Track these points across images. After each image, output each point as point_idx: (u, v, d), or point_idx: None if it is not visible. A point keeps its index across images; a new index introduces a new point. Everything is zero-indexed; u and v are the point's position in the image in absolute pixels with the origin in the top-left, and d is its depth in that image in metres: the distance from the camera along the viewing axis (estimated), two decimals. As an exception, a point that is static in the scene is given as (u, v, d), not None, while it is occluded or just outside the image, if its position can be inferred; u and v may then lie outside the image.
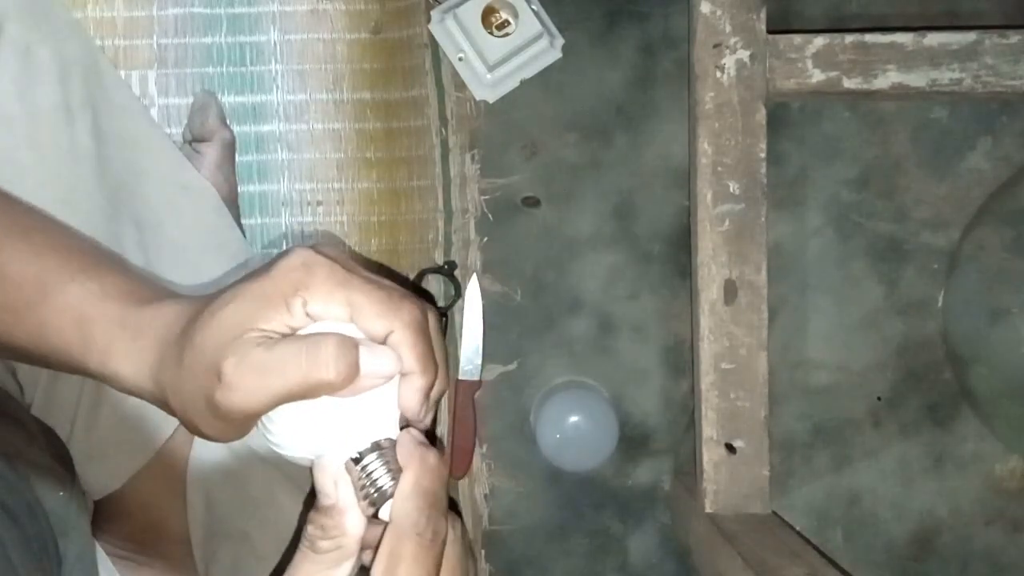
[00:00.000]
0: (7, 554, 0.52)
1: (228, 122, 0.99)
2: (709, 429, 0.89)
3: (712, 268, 0.90)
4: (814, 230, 1.05)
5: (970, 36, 0.91)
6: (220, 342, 0.41)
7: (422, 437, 0.44)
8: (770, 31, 0.90)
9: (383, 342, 0.42)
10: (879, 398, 1.05)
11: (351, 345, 0.41)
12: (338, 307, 0.42)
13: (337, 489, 0.42)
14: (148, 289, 0.47)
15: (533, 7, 0.99)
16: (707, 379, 0.90)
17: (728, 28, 0.89)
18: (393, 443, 0.43)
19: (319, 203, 1.02)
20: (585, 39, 1.03)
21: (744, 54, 0.90)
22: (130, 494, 0.76)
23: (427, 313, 0.44)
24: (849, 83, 0.91)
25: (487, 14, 0.98)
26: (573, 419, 1.00)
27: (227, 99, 1.00)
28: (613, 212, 1.04)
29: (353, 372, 0.41)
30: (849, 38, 0.91)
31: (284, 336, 0.41)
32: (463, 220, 1.03)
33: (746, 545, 0.81)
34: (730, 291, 0.90)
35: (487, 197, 1.03)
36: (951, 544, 1.06)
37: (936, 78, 0.92)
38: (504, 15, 0.99)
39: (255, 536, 0.75)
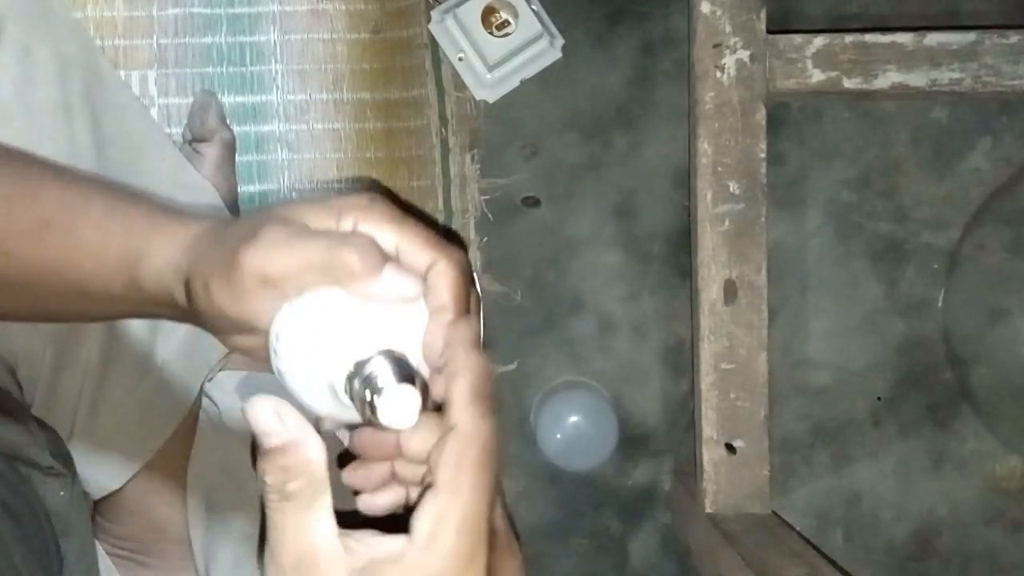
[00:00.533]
0: (9, 553, 0.52)
1: (228, 122, 0.99)
2: (709, 429, 0.89)
3: (712, 268, 0.90)
4: (814, 230, 1.05)
5: (970, 36, 0.91)
6: (270, 213, 0.42)
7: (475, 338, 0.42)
8: (770, 31, 0.90)
9: (424, 277, 0.42)
10: (879, 398, 1.05)
11: (380, 249, 0.41)
12: (388, 233, 0.42)
13: (284, 421, 0.40)
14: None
15: (533, 7, 0.99)
16: (707, 379, 0.90)
17: (728, 28, 0.89)
18: (403, 357, 0.41)
19: (319, 203, 1.01)
20: (585, 39, 1.03)
21: (744, 54, 0.90)
22: (130, 494, 0.76)
23: (470, 266, 0.44)
24: (849, 83, 0.91)
25: (487, 14, 0.98)
26: (573, 419, 1.00)
27: (227, 99, 1.00)
28: (613, 212, 1.04)
29: (375, 267, 0.40)
30: (849, 38, 0.91)
31: None
32: (463, 220, 1.03)
33: (746, 545, 0.81)
34: (730, 291, 0.90)
35: (487, 197, 1.03)
36: (951, 544, 1.06)
37: (936, 78, 0.92)
38: (504, 15, 0.99)
39: (255, 536, 0.75)
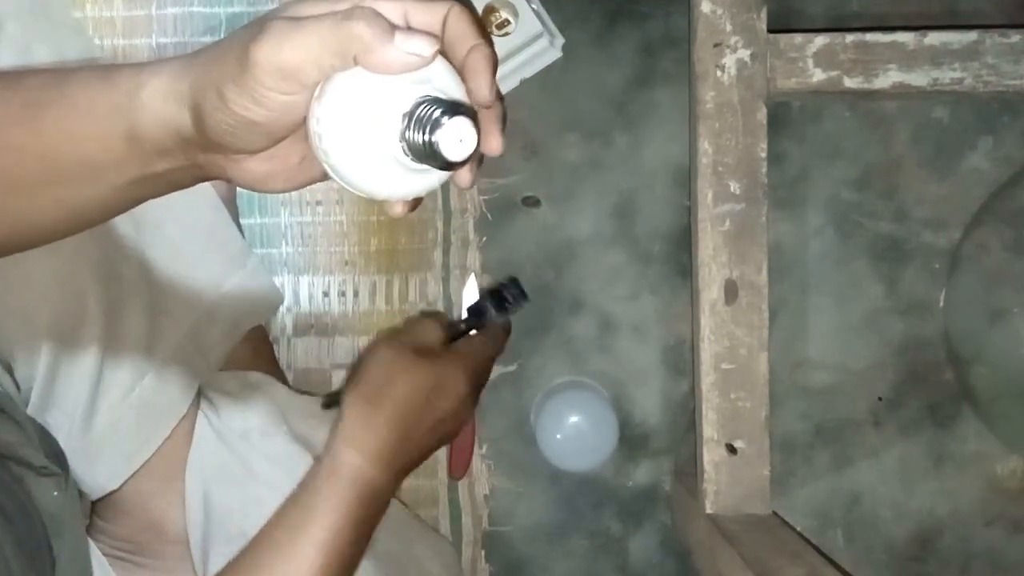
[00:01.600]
0: (2, 553, 0.52)
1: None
2: (710, 429, 0.89)
3: (713, 268, 0.89)
4: (815, 230, 1.05)
5: (971, 35, 0.91)
6: (267, 16, 0.42)
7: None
8: (771, 30, 0.90)
9: (441, 33, 0.43)
10: (880, 398, 1.05)
11: (385, 17, 0.41)
12: (391, 6, 0.42)
13: None
14: None
15: (533, 6, 0.99)
16: (708, 379, 0.89)
17: (729, 27, 0.89)
18: (445, 95, 0.42)
19: (318, 202, 1.01)
20: (585, 39, 1.03)
21: (745, 53, 0.89)
22: (128, 495, 0.76)
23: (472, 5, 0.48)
24: (850, 82, 0.91)
25: (487, 13, 0.98)
26: (573, 419, 1.00)
27: (226, 98, 1.00)
28: (613, 212, 1.04)
29: (385, 32, 0.40)
30: (850, 37, 0.91)
31: None
32: (462, 220, 1.03)
33: (746, 545, 0.81)
34: (731, 291, 0.89)
35: (487, 197, 1.03)
36: (952, 544, 1.06)
37: (937, 77, 0.91)
38: (504, 14, 0.99)
39: (253, 536, 0.75)
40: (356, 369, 0.67)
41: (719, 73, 0.90)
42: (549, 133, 1.03)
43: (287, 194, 1.01)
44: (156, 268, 0.77)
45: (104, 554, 0.76)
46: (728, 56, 0.89)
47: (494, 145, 0.45)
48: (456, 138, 0.40)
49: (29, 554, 0.56)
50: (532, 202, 1.04)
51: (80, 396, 0.71)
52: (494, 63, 0.44)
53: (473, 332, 0.73)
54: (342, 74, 0.42)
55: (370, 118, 0.42)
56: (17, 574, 0.52)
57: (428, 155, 0.41)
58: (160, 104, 0.43)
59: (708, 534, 0.88)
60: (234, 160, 0.44)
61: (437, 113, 0.40)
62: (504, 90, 1.01)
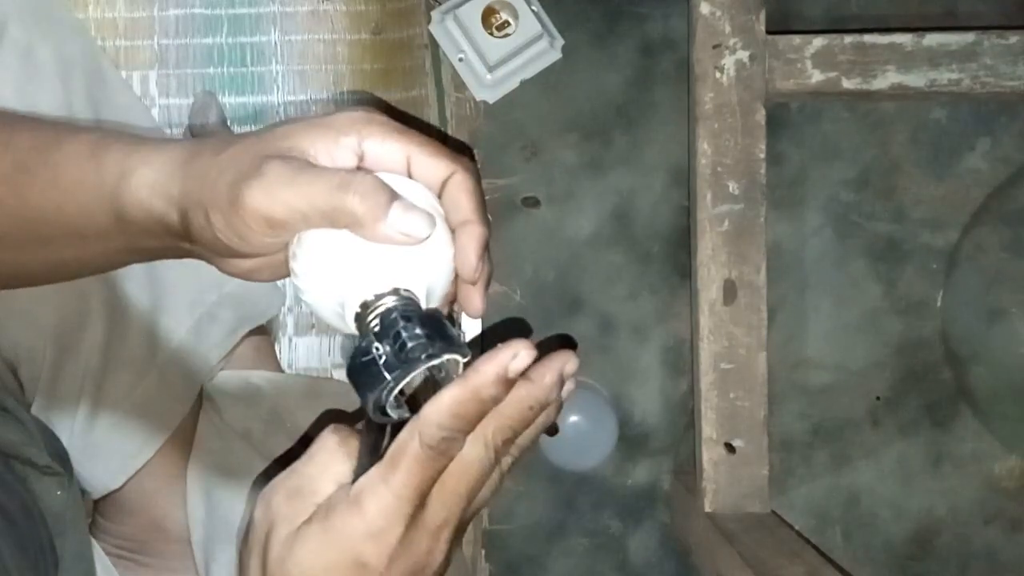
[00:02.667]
0: (1, 555, 0.52)
1: (229, 123, 0.99)
2: (708, 429, 0.90)
3: (712, 268, 0.90)
4: (813, 230, 1.05)
5: (969, 37, 0.91)
6: (268, 142, 0.41)
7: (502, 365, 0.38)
8: (769, 32, 0.90)
9: (439, 191, 0.42)
10: (878, 398, 1.05)
11: (388, 189, 0.40)
12: (395, 149, 0.41)
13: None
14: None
15: (533, 8, 0.99)
16: (707, 379, 0.90)
17: (727, 29, 0.90)
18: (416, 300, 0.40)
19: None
20: (585, 40, 1.03)
21: (743, 55, 0.90)
22: (130, 494, 0.76)
23: (477, 169, 0.44)
24: (848, 83, 0.92)
25: (487, 15, 0.98)
26: (573, 419, 1.00)
27: (228, 100, 1.00)
28: (613, 212, 1.04)
29: (380, 210, 0.39)
30: (848, 39, 0.91)
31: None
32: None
33: (745, 544, 0.81)
34: (729, 291, 0.90)
35: (487, 197, 1.03)
36: (950, 543, 1.06)
37: (935, 78, 0.92)
38: (504, 16, 0.99)
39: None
40: (246, 535, 0.43)
41: (718, 74, 0.90)
42: (549, 133, 1.03)
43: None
44: (158, 268, 0.77)
45: (107, 553, 0.76)
46: (727, 57, 0.90)
47: (473, 309, 0.44)
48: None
49: (32, 554, 0.56)
50: (532, 202, 1.04)
51: (83, 396, 0.71)
52: (486, 243, 0.42)
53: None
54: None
55: (345, 279, 0.41)
56: (15, 574, 0.52)
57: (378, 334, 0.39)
58: (147, 197, 0.43)
59: (707, 533, 0.88)
60: (218, 256, 0.44)
61: (403, 340, 0.38)
62: (504, 91, 1.02)
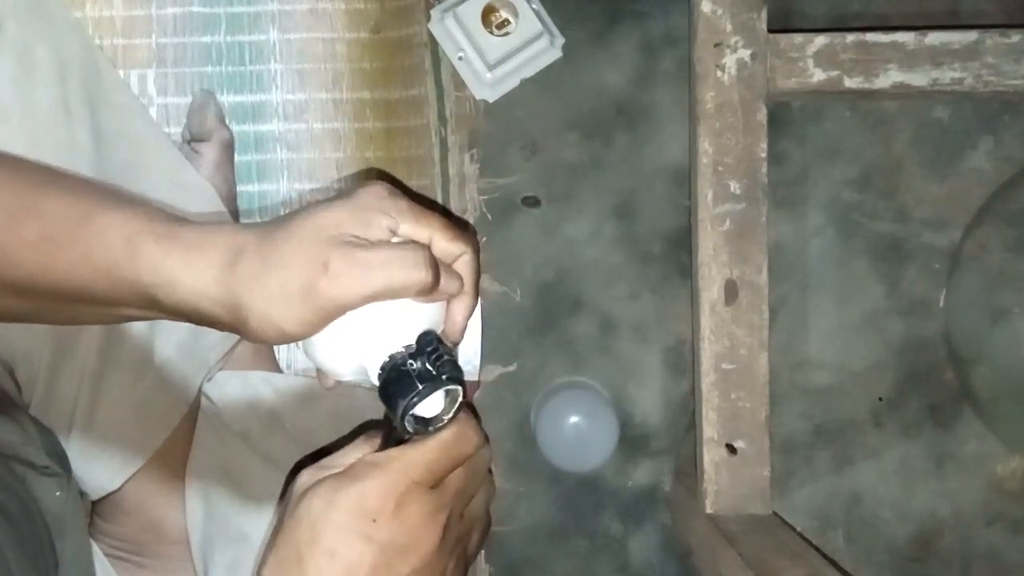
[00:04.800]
0: (3, 555, 0.52)
1: (227, 121, 0.99)
2: (710, 430, 0.89)
3: (713, 268, 0.89)
4: (815, 230, 1.05)
5: (971, 35, 0.91)
6: (321, 238, 0.45)
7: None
8: (771, 30, 0.90)
9: (452, 264, 0.50)
10: (880, 398, 1.05)
11: (434, 259, 0.48)
12: (423, 231, 0.48)
13: None
14: (192, 218, 0.49)
15: (533, 6, 0.99)
16: (708, 379, 0.89)
17: (729, 27, 0.89)
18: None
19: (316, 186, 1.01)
20: (585, 38, 1.03)
21: (745, 53, 0.89)
22: (128, 495, 0.76)
23: (479, 248, 0.54)
24: (850, 82, 0.91)
25: (487, 13, 0.98)
26: (573, 419, 1.00)
27: (226, 98, 1.00)
28: (613, 212, 1.04)
29: (437, 279, 0.47)
30: (850, 37, 0.91)
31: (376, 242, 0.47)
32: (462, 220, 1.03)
33: (747, 546, 0.81)
34: (731, 291, 0.89)
35: (486, 197, 1.03)
36: (952, 545, 1.06)
37: (937, 77, 0.91)
38: (504, 14, 0.99)
39: (254, 537, 0.75)
40: (277, 523, 0.48)
41: (719, 73, 0.89)
42: (549, 133, 1.03)
43: (287, 194, 1.01)
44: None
45: (105, 554, 0.76)
46: (728, 56, 0.89)
47: (454, 334, 0.51)
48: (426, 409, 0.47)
49: (32, 555, 0.56)
50: (532, 202, 1.03)
51: (81, 397, 0.71)
52: (471, 311, 0.51)
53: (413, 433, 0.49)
54: None
55: (368, 342, 0.48)
56: (18, 575, 0.52)
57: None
58: (188, 298, 0.46)
59: (708, 534, 0.88)
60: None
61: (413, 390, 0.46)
62: (504, 90, 1.01)
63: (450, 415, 0.47)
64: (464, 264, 0.50)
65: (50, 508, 0.61)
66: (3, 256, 0.46)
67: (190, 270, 0.45)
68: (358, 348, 0.47)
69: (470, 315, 0.51)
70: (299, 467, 0.49)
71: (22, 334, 0.67)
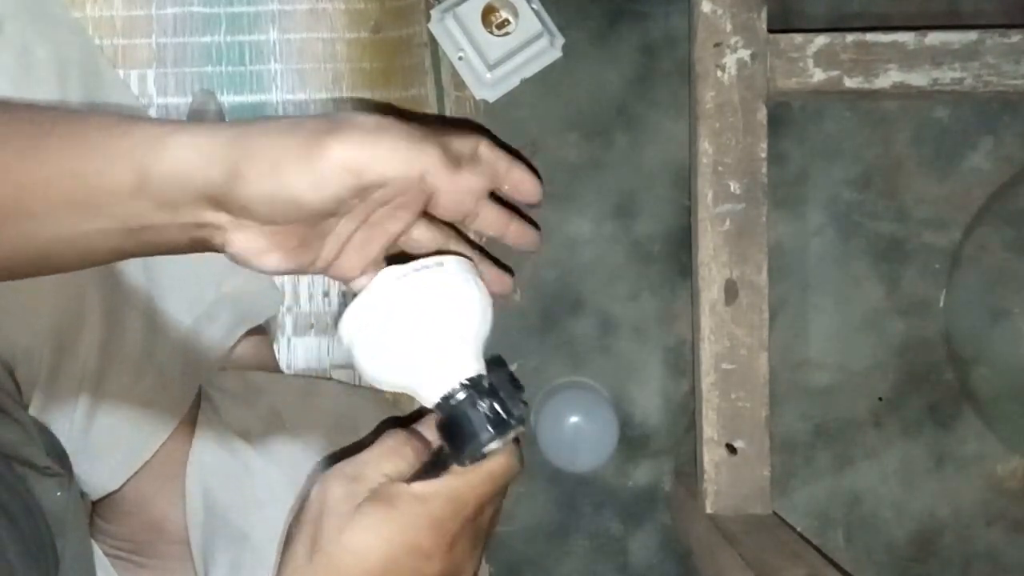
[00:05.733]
0: (5, 554, 0.52)
1: (227, 121, 0.98)
2: (710, 429, 0.89)
3: (713, 268, 0.89)
4: (815, 230, 1.05)
5: (972, 35, 0.91)
6: (342, 115, 0.45)
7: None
8: (771, 30, 0.90)
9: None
10: (880, 398, 1.05)
11: (449, 150, 0.46)
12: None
13: None
14: None
15: (533, 6, 0.99)
16: (708, 379, 0.89)
17: (729, 27, 0.89)
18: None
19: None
20: (585, 38, 1.03)
21: (745, 53, 0.89)
22: (128, 495, 0.76)
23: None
24: (850, 82, 0.91)
25: (487, 13, 0.98)
26: (573, 419, 1.00)
27: (226, 98, 1.00)
28: (613, 212, 1.04)
29: (450, 165, 0.46)
30: (850, 37, 0.91)
31: None
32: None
33: (747, 546, 0.81)
34: (731, 291, 0.89)
35: (487, 197, 1.03)
36: (952, 545, 1.06)
37: (938, 77, 0.91)
38: (504, 14, 0.99)
39: (254, 536, 0.75)
40: (297, 514, 0.47)
41: (719, 73, 0.89)
42: (549, 133, 1.03)
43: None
44: (156, 268, 0.77)
45: (105, 554, 0.76)
46: (728, 56, 0.89)
47: (531, 195, 0.52)
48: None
49: (33, 554, 0.56)
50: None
51: (81, 397, 0.70)
52: (527, 171, 0.52)
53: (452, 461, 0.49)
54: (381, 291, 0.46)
55: (396, 359, 0.46)
56: (20, 574, 0.52)
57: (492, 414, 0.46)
58: (185, 154, 0.43)
59: (708, 534, 0.88)
60: (238, 227, 0.45)
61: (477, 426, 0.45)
62: (504, 90, 1.01)
63: (503, 443, 0.46)
64: (485, 150, 0.49)
65: (51, 508, 0.61)
66: None
67: (190, 132, 0.44)
68: (410, 371, 0.46)
69: (532, 174, 0.51)
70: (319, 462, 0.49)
71: (22, 333, 0.67)
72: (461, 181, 0.47)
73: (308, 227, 0.46)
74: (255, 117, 0.47)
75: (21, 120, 0.45)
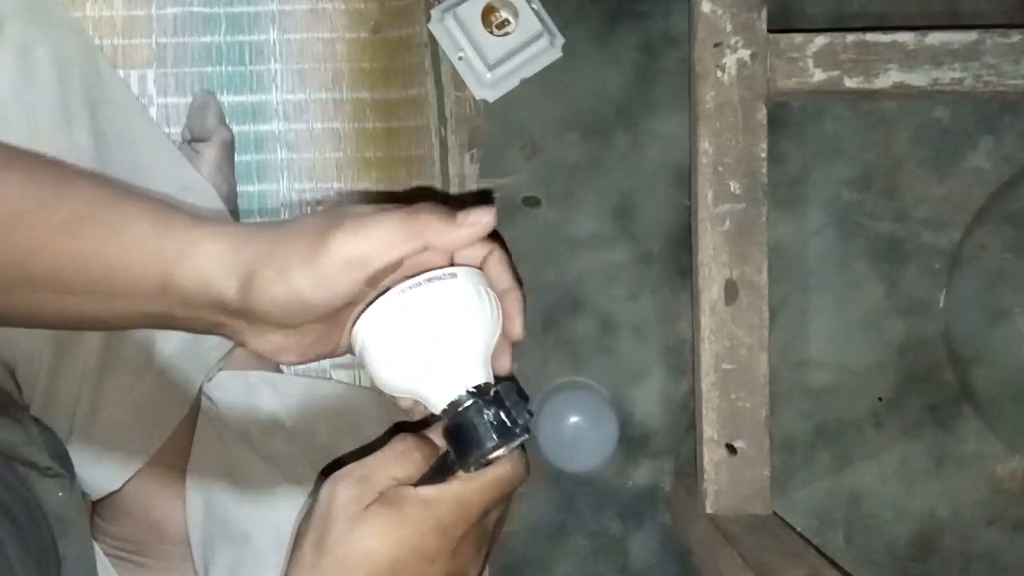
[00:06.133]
0: (6, 554, 0.52)
1: (227, 121, 0.99)
2: (710, 429, 0.89)
3: (713, 268, 0.89)
4: (815, 230, 1.05)
5: (971, 35, 0.91)
6: (339, 211, 0.45)
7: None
8: (771, 30, 0.90)
9: (481, 266, 0.49)
10: (880, 398, 1.05)
11: (445, 210, 0.46)
12: (447, 239, 0.47)
13: None
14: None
15: (533, 6, 0.99)
16: (708, 379, 0.89)
17: (729, 27, 0.89)
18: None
19: (318, 203, 1.01)
20: (585, 38, 1.03)
21: (745, 53, 0.89)
22: (129, 495, 0.76)
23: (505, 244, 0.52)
24: (850, 82, 0.91)
25: (487, 13, 0.98)
26: (573, 419, 1.00)
27: (226, 98, 1.00)
28: (613, 212, 1.04)
29: (450, 215, 0.46)
30: (850, 37, 0.91)
31: None
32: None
33: (747, 546, 0.81)
34: (731, 291, 0.89)
35: (487, 197, 1.03)
36: (952, 545, 1.06)
37: (937, 77, 0.91)
38: (504, 14, 0.99)
39: (254, 536, 0.75)
40: (306, 514, 0.48)
41: (719, 73, 0.90)
42: (549, 133, 1.03)
43: (287, 195, 1.01)
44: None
45: (106, 554, 0.76)
46: (728, 56, 0.89)
47: (516, 331, 0.51)
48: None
49: (35, 554, 0.56)
50: (532, 202, 1.03)
51: (82, 397, 0.70)
52: (524, 305, 0.51)
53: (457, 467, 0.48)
54: (391, 300, 0.46)
55: (405, 367, 0.47)
56: (22, 575, 0.52)
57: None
58: (207, 265, 0.45)
59: (708, 534, 0.88)
60: (255, 330, 0.47)
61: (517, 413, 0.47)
62: (504, 90, 1.01)
63: (508, 451, 0.47)
64: (495, 261, 0.49)
65: (52, 508, 0.61)
66: (31, 240, 0.46)
67: (217, 241, 0.45)
68: (420, 377, 0.46)
69: (522, 306, 0.51)
70: (325, 469, 0.49)
71: (23, 334, 0.67)
72: (463, 234, 0.47)
73: (325, 323, 0.47)
74: (272, 222, 0.48)
75: (68, 196, 0.47)
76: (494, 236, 0.49)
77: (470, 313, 0.47)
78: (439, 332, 0.46)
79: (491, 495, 0.47)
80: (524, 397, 0.47)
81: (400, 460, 0.47)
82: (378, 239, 0.44)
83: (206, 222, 0.46)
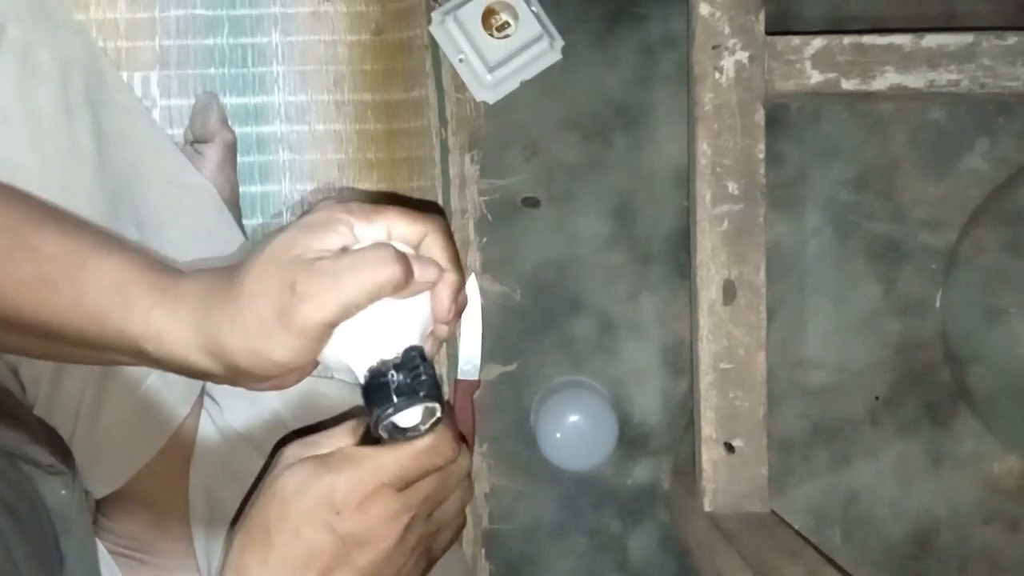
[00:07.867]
0: (9, 551, 0.53)
1: (229, 123, 0.99)
2: (708, 428, 0.90)
3: (711, 268, 0.90)
4: (813, 230, 1.05)
5: (968, 37, 0.91)
6: (282, 263, 0.46)
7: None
8: (769, 32, 0.90)
9: (417, 248, 0.50)
10: (877, 398, 1.06)
11: (402, 254, 0.47)
12: (378, 225, 0.48)
13: None
14: (179, 266, 0.51)
15: (533, 9, 0.99)
16: (706, 379, 0.90)
17: (727, 29, 0.90)
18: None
19: (318, 203, 1.02)
20: (585, 41, 1.03)
21: (743, 55, 0.90)
22: (132, 493, 0.76)
23: (447, 224, 0.53)
24: (847, 84, 0.92)
25: (487, 16, 0.99)
26: (573, 419, 1.00)
27: (228, 100, 1.01)
28: (613, 212, 1.04)
29: (410, 271, 0.47)
30: (847, 39, 0.91)
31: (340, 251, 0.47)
32: (463, 221, 1.03)
33: (745, 544, 0.81)
34: (729, 291, 0.90)
35: (487, 198, 1.03)
36: (949, 543, 1.06)
37: (934, 79, 0.92)
38: (504, 17, 1.00)
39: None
40: (257, 492, 0.50)
41: (717, 75, 0.90)
42: (549, 134, 1.04)
43: (289, 196, 1.02)
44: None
45: (109, 552, 0.76)
46: (726, 58, 0.90)
47: (442, 312, 0.51)
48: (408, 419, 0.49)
49: (38, 552, 0.57)
50: (532, 202, 1.04)
51: (85, 396, 0.71)
52: (459, 288, 0.51)
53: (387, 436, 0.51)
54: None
55: (361, 342, 0.49)
56: (25, 573, 0.52)
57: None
58: (174, 348, 0.47)
59: (707, 532, 0.88)
60: (237, 382, 0.50)
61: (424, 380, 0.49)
62: (504, 92, 1.02)
63: (426, 427, 0.49)
64: (431, 243, 0.49)
65: (55, 506, 0.62)
66: None
67: (174, 321, 0.47)
68: (347, 348, 0.49)
69: (456, 293, 0.51)
70: (286, 440, 0.52)
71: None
72: (418, 287, 0.49)
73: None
74: (226, 270, 0.49)
75: (36, 246, 0.48)
76: (440, 220, 0.50)
77: (406, 299, 0.49)
78: (376, 313, 0.48)
79: (407, 462, 0.49)
80: (431, 371, 0.49)
81: (345, 431, 0.51)
82: (348, 295, 0.46)
83: (164, 293, 0.47)
